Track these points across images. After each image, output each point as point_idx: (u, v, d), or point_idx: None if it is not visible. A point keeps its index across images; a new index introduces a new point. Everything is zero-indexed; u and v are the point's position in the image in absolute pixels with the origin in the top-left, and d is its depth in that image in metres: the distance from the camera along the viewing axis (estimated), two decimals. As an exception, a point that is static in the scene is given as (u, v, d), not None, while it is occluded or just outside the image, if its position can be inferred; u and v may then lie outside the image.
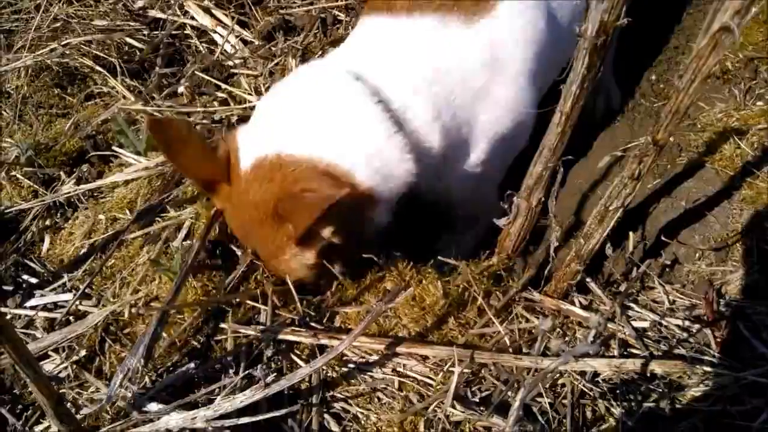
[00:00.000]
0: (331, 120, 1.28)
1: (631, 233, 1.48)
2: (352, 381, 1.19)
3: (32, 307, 1.41)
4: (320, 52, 1.99)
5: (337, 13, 2.09)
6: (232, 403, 1.08)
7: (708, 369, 1.14)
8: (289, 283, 1.29)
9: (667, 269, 1.41)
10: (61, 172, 1.73)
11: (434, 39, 1.31)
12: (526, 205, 1.18)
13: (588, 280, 1.30)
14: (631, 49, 1.99)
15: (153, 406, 1.13)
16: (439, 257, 1.33)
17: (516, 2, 1.34)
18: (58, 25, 2.11)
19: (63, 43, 2.03)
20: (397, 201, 1.35)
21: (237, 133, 1.35)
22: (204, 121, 1.85)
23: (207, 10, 2.20)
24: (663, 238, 1.44)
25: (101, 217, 1.58)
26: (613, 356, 1.17)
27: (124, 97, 1.93)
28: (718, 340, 1.20)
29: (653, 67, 2.00)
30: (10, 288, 1.47)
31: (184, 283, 1.33)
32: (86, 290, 1.41)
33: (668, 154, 1.61)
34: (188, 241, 1.47)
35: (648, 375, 1.15)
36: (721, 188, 1.45)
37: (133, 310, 1.34)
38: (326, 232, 1.23)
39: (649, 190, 1.57)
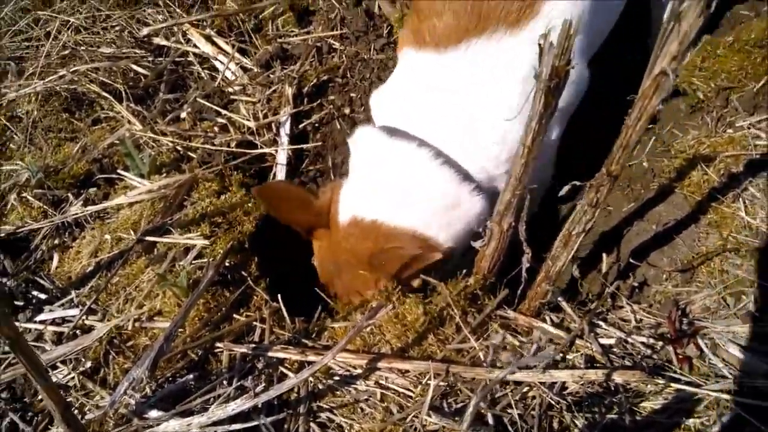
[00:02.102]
0: (410, 189, 1.46)
1: (605, 255, 1.57)
2: (338, 392, 1.28)
3: (41, 322, 1.51)
4: (315, 80, 2.09)
5: (332, 42, 2.20)
6: (225, 410, 1.17)
7: (667, 382, 1.23)
8: (281, 306, 1.41)
9: (637, 290, 1.49)
10: (69, 194, 1.83)
11: (486, 72, 1.41)
12: (498, 229, 1.28)
13: (560, 299, 1.39)
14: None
15: (153, 413, 1.22)
16: (421, 276, 1.43)
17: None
18: (66, 52, 2.21)
19: (71, 70, 2.13)
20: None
21: (339, 187, 1.55)
22: (205, 146, 1.95)
23: (209, 38, 2.30)
24: (633, 261, 1.53)
25: (107, 237, 1.68)
26: (578, 367, 1.26)
27: (129, 121, 2.03)
28: (680, 356, 1.29)
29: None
30: (21, 303, 1.57)
31: (194, 305, 1.43)
32: (92, 306, 1.51)
33: (642, 179, 1.70)
34: (200, 260, 1.57)
35: (611, 388, 1.24)
36: (688, 213, 1.54)
37: (137, 324, 1.44)
38: (416, 282, 1.44)
39: (624, 214, 1.67)
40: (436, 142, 1.44)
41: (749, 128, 1.64)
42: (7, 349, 1.48)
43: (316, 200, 1.55)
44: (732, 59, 1.80)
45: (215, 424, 1.17)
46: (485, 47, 1.39)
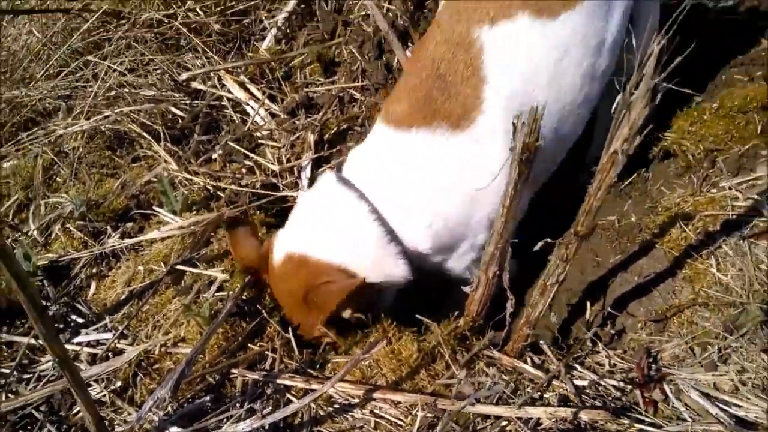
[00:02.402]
0: (341, 232, 1.66)
1: (589, 303, 1.72)
2: (336, 419, 1.44)
3: (78, 343, 1.69)
4: (336, 128, 2.28)
5: (353, 92, 2.39)
6: (235, 430, 1.33)
7: (631, 423, 1.37)
8: (292, 338, 1.58)
9: (615, 336, 1.63)
10: (108, 227, 2.03)
11: (432, 162, 1.62)
12: (484, 277, 1.43)
13: (541, 342, 1.54)
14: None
15: (173, 430, 1.39)
16: (416, 315, 1.59)
17: (489, 122, 1.61)
18: (112, 93, 2.42)
19: (116, 111, 2.34)
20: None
21: (277, 234, 1.75)
22: (232, 186, 2.14)
23: (242, 84, 2.50)
24: (612, 311, 1.67)
25: (140, 268, 1.86)
26: (550, 404, 1.40)
27: (166, 161, 2.23)
28: (646, 399, 1.43)
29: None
30: (61, 326, 1.75)
31: (213, 334, 1.60)
32: (124, 331, 1.69)
33: (630, 233, 1.83)
34: (221, 293, 1.75)
35: (581, 425, 1.38)
36: (667, 267, 1.67)
37: (163, 349, 1.62)
38: (347, 313, 1.60)
39: (611, 265, 1.80)
40: (378, 203, 1.65)
41: (730, 189, 1.77)
42: (44, 368, 1.67)
43: (261, 245, 1.76)
44: (718, 124, 1.94)
45: (227, 442, 1.33)
46: (429, 137, 1.61)
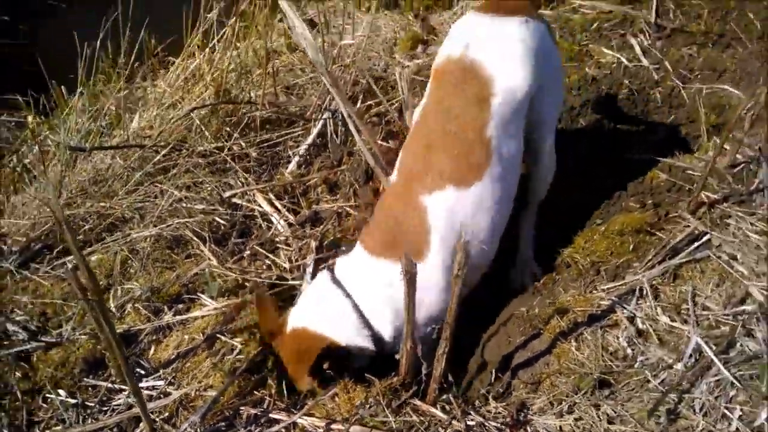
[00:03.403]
0: (330, 314, 2.44)
1: (494, 369, 2.42)
2: (307, 441, 2.18)
3: (142, 387, 2.46)
4: (332, 236, 3.07)
5: (348, 209, 3.19)
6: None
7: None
8: (284, 388, 2.34)
9: (504, 393, 2.33)
10: (165, 306, 2.81)
11: (394, 281, 2.32)
12: (404, 350, 2.17)
13: (451, 395, 2.25)
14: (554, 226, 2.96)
15: (198, 444, 2.14)
16: (365, 375, 2.32)
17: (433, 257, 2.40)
18: (172, 207, 3.27)
19: (175, 221, 3.18)
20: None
21: (290, 311, 2.54)
22: (255, 278, 2.93)
23: (269, 201, 3.33)
24: (509, 374, 2.38)
25: (185, 337, 2.65)
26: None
27: (209, 258, 3.03)
28: (514, 437, 2.12)
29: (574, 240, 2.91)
30: (130, 375, 2.53)
31: (231, 384, 2.37)
32: (171, 380, 2.46)
33: (531, 321, 2.54)
34: (239, 355, 2.52)
35: (465, 450, 2.08)
36: (546, 346, 2.37)
37: (196, 392, 2.38)
38: (325, 365, 2.34)
39: (518, 343, 2.50)
40: (357, 299, 2.42)
41: (601, 292, 2.49)
42: (117, 403, 2.44)
43: (281, 317, 2.52)
44: (603, 242, 2.67)
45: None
46: (391, 264, 2.39)
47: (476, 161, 2.42)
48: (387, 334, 2.44)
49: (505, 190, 2.53)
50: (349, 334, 2.42)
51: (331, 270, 2.59)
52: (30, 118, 4.75)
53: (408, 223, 2.45)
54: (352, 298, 2.44)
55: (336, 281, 2.50)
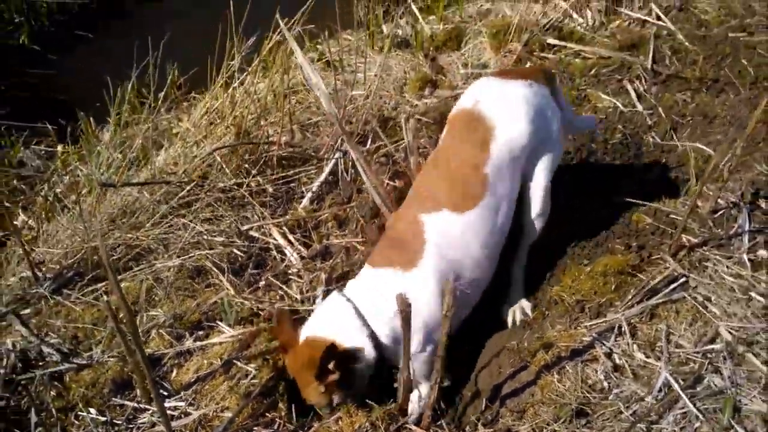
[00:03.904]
0: (334, 320, 2.69)
1: (485, 398, 2.65)
2: (312, 459, 2.42)
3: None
4: (341, 270, 3.32)
5: (355, 244, 3.44)
6: (250, 460, 2.32)
7: (483, 471, 2.29)
8: (293, 411, 2.58)
9: (493, 420, 2.56)
10: (186, 333, 3.07)
11: (390, 286, 2.64)
12: (402, 378, 2.41)
13: (441, 420, 2.49)
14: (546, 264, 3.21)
15: (215, 459, 2.39)
16: (367, 401, 2.56)
17: (427, 265, 2.66)
18: (193, 240, 3.54)
19: (197, 252, 3.44)
20: (374, 363, 2.66)
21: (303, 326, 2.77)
22: (269, 308, 3.18)
23: (283, 234, 3.59)
24: (498, 403, 2.61)
25: (204, 361, 2.90)
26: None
27: (227, 288, 3.29)
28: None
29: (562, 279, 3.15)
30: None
31: (246, 406, 2.62)
32: (191, 401, 2.71)
33: (520, 354, 2.77)
34: (253, 380, 2.77)
35: (454, 471, 2.31)
36: (532, 378, 2.60)
37: (213, 413, 2.63)
38: (333, 376, 2.55)
39: (509, 373, 2.74)
40: (360, 306, 2.68)
41: (584, 328, 2.72)
42: (142, 421, 2.69)
43: (295, 331, 2.75)
44: (587, 282, 2.90)
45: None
46: (389, 274, 2.72)
47: (472, 193, 2.80)
48: (384, 334, 2.67)
49: (497, 221, 2.87)
50: (351, 335, 2.64)
51: (341, 289, 2.86)
52: (60, 148, 5.08)
53: (407, 236, 2.79)
54: (354, 304, 2.70)
55: (343, 295, 2.76)
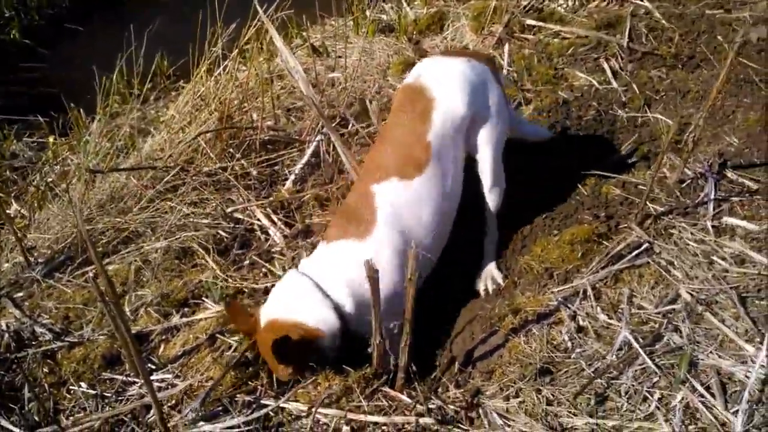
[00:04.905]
0: (293, 298, 2.78)
1: (457, 361, 2.77)
2: (292, 423, 2.53)
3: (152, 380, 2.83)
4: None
5: (337, 223, 3.55)
6: (233, 422, 2.44)
7: (451, 429, 2.41)
8: (274, 380, 2.71)
9: (463, 381, 2.68)
10: (173, 310, 3.19)
11: (348, 256, 2.77)
12: (375, 344, 2.53)
13: (414, 383, 2.61)
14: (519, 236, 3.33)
15: (200, 424, 2.51)
16: (343, 366, 2.68)
17: (380, 233, 2.80)
18: (180, 222, 3.65)
19: (183, 234, 3.56)
20: (340, 335, 2.76)
21: (260, 309, 2.86)
22: (252, 285, 3.30)
23: (267, 215, 3.71)
24: (470, 366, 2.73)
25: (191, 336, 3.02)
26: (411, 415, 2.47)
27: (213, 268, 3.40)
28: (468, 416, 2.47)
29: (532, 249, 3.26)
30: (142, 370, 2.91)
31: (226, 374, 2.74)
32: (178, 373, 2.83)
33: (491, 319, 2.89)
34: (235, 352, 2.89)
35: (424, 428, 2.43)
36: (501, 342, 2.72)
37: (198, 383, 2.76)
38: (296, 359, 2.67)
39: (479, 338, 2.86)
40: (317, 279, 2.78)
41: (551, 294, 2.84)
42: (130, 393, 2.81)
43: (252, 316, 2.83)
44: (555, 251, 3.02)
45: (228, 428, 2.45)
46: (344, 245, 2.84)
47: (417, 160, 2.93)
48: (347, 305, 2.76)
49: (445, 187, 2.98)
50: (314, 310, 2.73)
51: (296, 267, 2.99)
52: (51, 140, 5.20)
53: (359, 207, 2.92)
54: (312, 280, 2.79)
55: (299, 273, 2.86)
